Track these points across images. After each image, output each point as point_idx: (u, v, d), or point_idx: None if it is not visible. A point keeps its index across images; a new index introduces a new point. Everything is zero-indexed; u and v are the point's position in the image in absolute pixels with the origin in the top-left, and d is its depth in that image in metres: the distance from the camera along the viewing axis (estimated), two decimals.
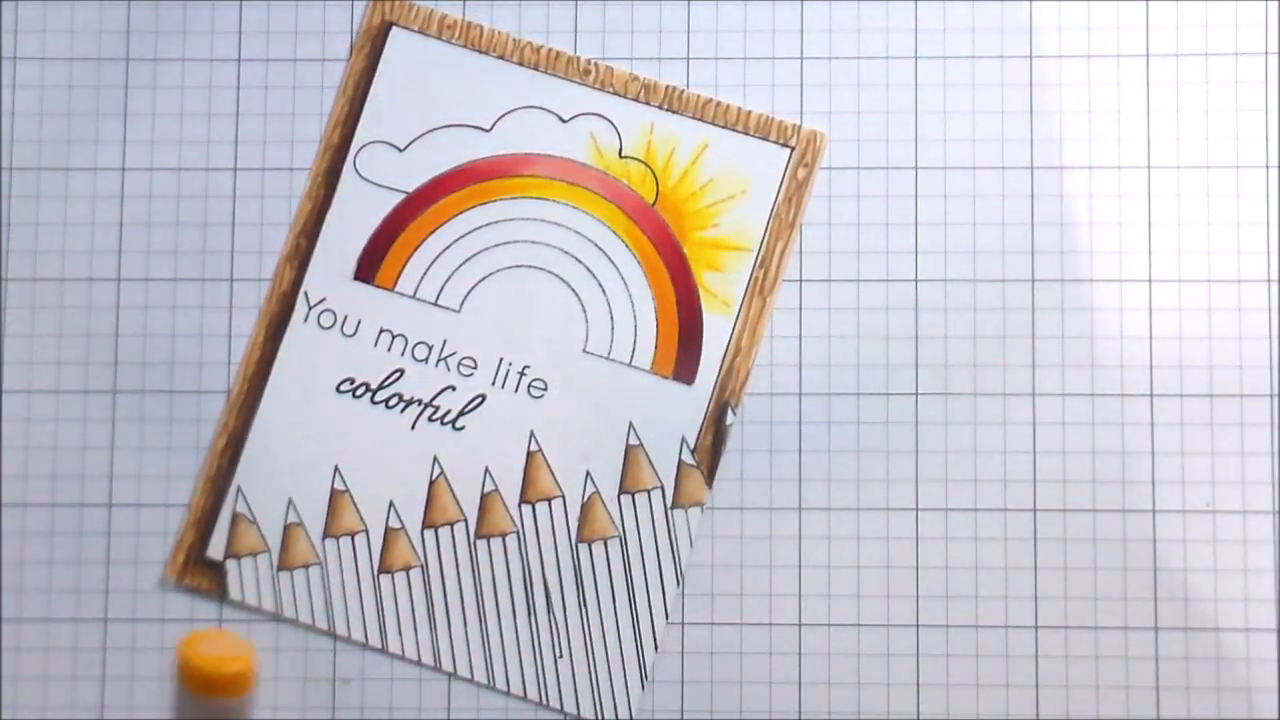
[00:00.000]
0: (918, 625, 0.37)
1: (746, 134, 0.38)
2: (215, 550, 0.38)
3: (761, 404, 0.38)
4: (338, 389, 0.38)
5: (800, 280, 0.38)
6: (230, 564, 0.38)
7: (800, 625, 0.37)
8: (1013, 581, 0.37)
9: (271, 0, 0.39)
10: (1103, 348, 0.38)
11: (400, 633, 0.37)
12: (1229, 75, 0.38)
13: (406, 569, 0.38)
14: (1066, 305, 0.38)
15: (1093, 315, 0.38)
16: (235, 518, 0.38)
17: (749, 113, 0.38)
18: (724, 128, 0.38)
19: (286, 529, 0.38)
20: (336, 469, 0.38)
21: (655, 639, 0.37)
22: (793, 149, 0.38)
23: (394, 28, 0.39)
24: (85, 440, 0.38)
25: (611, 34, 0.39)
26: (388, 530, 0.38)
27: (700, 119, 0.38)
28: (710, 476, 0.38)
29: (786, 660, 0.37)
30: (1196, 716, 0.37)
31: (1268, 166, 0.38)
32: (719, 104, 0.38)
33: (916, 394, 0.38)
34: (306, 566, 0.37)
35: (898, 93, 0.38)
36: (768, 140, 0.38)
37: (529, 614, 0.37)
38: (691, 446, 0.38)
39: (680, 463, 0.38)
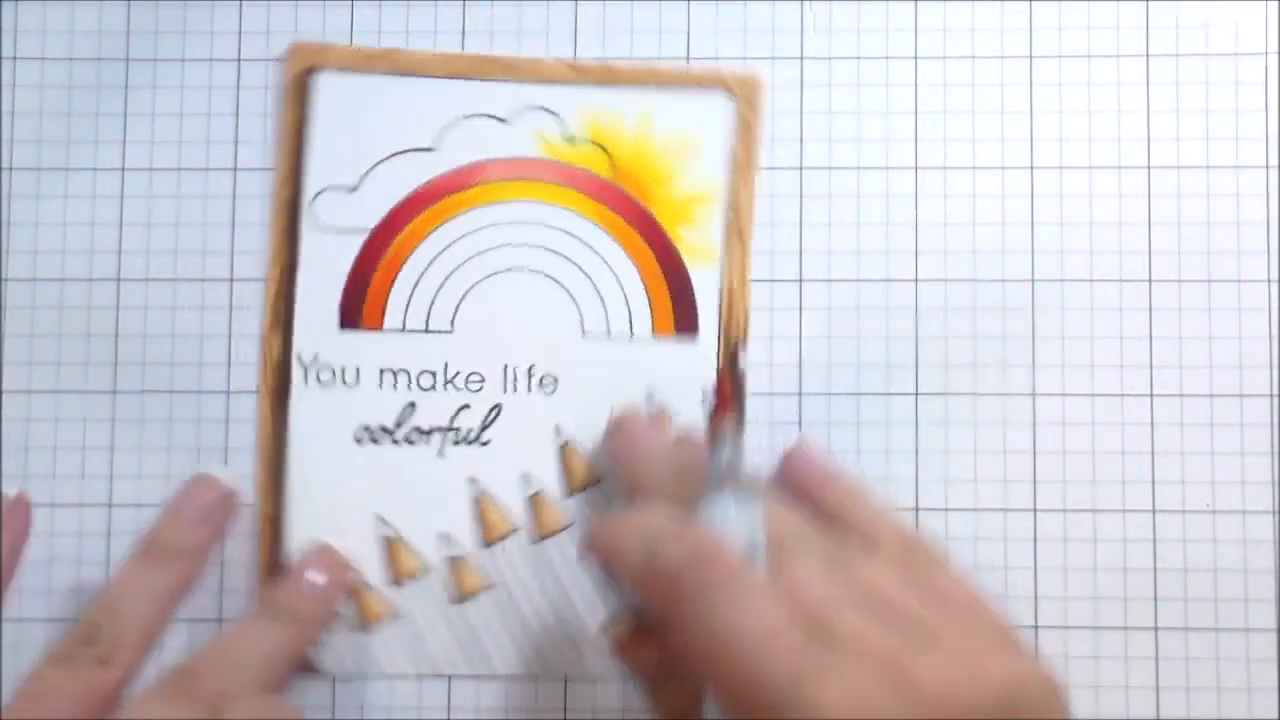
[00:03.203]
0: None
1: (686, 89, 0.38)
2: None
3: (762, 404, 0.38)
4: (356, 440, 0.38)
5: (800, 280, 0.38)
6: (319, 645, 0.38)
7: None
8: (1013, 581, 0.37)
9: (271, 0, 0.39)
10: (1104, 348, 0.38)
11: (495, 654, 0.37)
12: (1229, 75, 0.38)
13: (480, 592, 0.37)
14: (1066, 305, 0.38)
15: (1093, 315, 0.38)
16: None
17: (684, 69, 0.38)
18: (663, 89, 0.38)
19: (353, 591, 0.37)
20: (380, 517, 0.37)
21: None
22: (733, 93, 0.38)
23: (318, 73, 0.38)
24: (85, 440, 0.38)
25: (612, 34, 0.39)
26: (451, 560, 0.37)
27: (637, 86, 0.38)
28: (741, 418, 0.38)
29: None
30: (1196, 716, 0.37)
31: (1268, 166, 0.38)
32: (653, 68, 0.38)
33: (916, 394, 0.38)
34: (385, 619, 0.37)
35: (898, 93, 0.38)
36: (708, 92, 0.38)
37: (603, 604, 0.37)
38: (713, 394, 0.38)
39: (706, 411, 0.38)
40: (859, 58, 0.39)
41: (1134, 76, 0.38)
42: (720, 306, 0.38)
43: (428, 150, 0.38)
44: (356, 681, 0.37)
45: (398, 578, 0.37)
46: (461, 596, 0.37)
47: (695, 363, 0.38)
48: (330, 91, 0.38)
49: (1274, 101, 0.38)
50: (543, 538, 0.38)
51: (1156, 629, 0.37)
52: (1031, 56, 0.38)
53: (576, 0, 0.39)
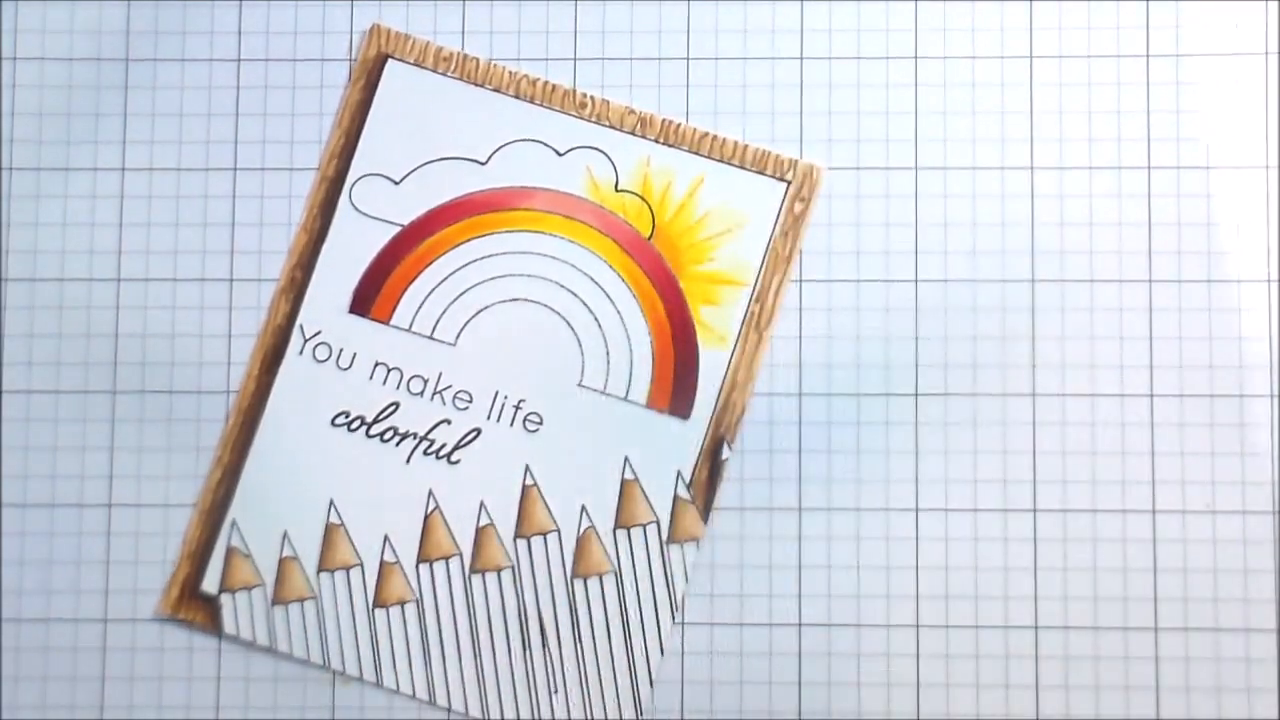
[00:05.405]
0: (918, 625, 0.37)
1: (743, 168, 0.38)
2: (210, 584, 0.38)
3: (761, 404, 0.38)
4: (333, 422, 0.38)
5: (800, 280, 0.38)
6: (225, 598, 0.38)
7: (800, 625, 0.37)
8: (1012, 582, 0.37)
9: (271, 0, 0.39)
10: (1103, 348, 0.38)
11: (395, 668, 0.37)
12: (1229, 75, 0.38)
13: (401, 603, 0.37)
14: (1066, 305, 0.38)
15: (1093, 315, 0.38)
16: (230, 551, 0.38)
17: (745, 146, 0.38)
18: (720, 161, 0.38)
19: (281, 563, 0.38)
20: (331, 503, 0.38)
21: (650, 674, 0.37)
22: (789, 183, 0.38)
23: (390, 60, 0.38)
24: (85, 440, 0.38)
25: (612, 34, 0.39)
26: (383, 564, 0.37)
27: (696, 152, 0.38)
28: (706, 511, 0.37)
29: (786, 660, 0.37)
30: (1196, 717, 0.37)
31: (1268, 166, 0.38)
32: (715, 137, 0.38)
33: (916, 394, 0.38)
34: (301, 601, 0.37)
35: (898, 93, 0.38)
36: (764, 174, 0.38)
37: (524, 649, 0.37)
38: (687, 481, 0.37)
39: (676, 497, 0.37)
40: (859, 58, 0.39)
41: (1134, 76, 0.38)
42: (719, 396, 0.38)
43: (479, 163, 0.38)
44: (356, 683, 0.37)
45: (328, 565, 0.38)
46: (382, 602, 0.37)
47: (679, 443, 0.38)
48: (398, 82, 0.39)
49: (1274, 101, 0.38)
50: (477, 571, 0.37)
51: (1156, 629, 0.37)
52: (1031, 56, 0.38)
53: (576, 0, 0.39)
